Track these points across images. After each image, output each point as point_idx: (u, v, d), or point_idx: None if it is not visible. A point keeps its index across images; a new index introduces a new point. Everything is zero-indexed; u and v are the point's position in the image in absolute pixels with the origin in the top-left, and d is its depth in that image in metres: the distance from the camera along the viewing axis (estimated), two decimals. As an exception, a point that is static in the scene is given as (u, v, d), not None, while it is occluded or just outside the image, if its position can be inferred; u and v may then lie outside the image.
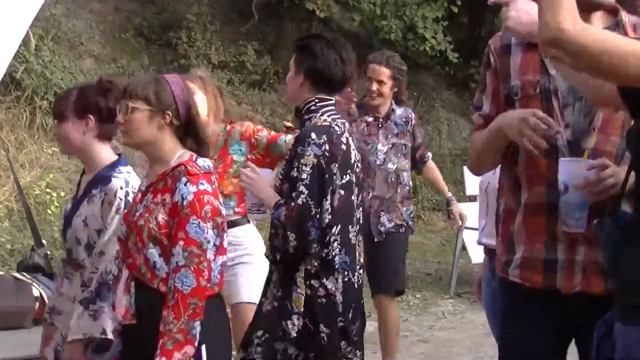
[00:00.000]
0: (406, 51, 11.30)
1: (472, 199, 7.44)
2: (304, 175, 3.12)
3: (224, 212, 2.76)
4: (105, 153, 3.22)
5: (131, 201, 2.99)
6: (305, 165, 3.12)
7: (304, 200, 3.11)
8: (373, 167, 5.19)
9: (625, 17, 2.54)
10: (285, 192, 3.19)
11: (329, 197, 3.15)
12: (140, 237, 2.70)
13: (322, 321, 3.18)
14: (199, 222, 2.64)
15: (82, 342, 3.04)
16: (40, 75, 8.14)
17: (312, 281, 3.18)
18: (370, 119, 5.23)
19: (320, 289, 3.20)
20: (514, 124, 2.49)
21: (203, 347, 2.65)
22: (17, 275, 4.51)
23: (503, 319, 2.81)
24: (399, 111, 5.27)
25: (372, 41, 11.60)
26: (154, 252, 2.67)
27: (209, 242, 2.66)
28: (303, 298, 3.17)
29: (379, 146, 5.21)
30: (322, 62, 3.26)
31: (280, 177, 3.27)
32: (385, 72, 5.16)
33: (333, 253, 3.19)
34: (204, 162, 2.76)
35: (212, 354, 2.69)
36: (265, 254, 3.37)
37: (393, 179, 5.24)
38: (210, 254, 2.67)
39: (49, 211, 7.00)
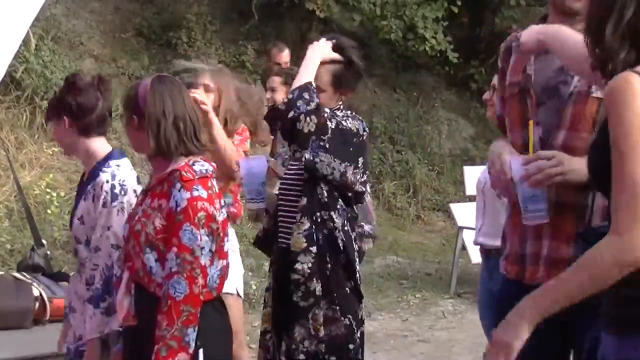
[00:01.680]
0: (406, 51, 11.32)
1: (472, 199, 7.43)
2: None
3: (220, 217, 2.71)
4: (95, 148, 3.19)
5: (122, 195, 3.03)
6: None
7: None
8: None
9: None
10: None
11: None
12: (138, 242, 2.70)
13: None
14: (192, 229, 2.61)
15: (99, 339, 3.04)
16: (40, 75, 8.13)
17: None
18: None
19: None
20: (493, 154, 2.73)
21: (200, 351, 2.64)
22: (17, 275, 4.51)
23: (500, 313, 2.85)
24: None
25: (372, 41, 11.60)
26: (150, 257, 2.66)
27: (202, 248, 2.63)
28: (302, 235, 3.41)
29: None
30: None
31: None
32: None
33: None
34: (202, 167, 2.72)
35: (211, 357, 2.68)
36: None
37: None
38: (204, 260, 2.64)
39: (49, 211, 7.00)
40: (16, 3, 3.49)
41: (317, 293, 3.32)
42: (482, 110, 11.23)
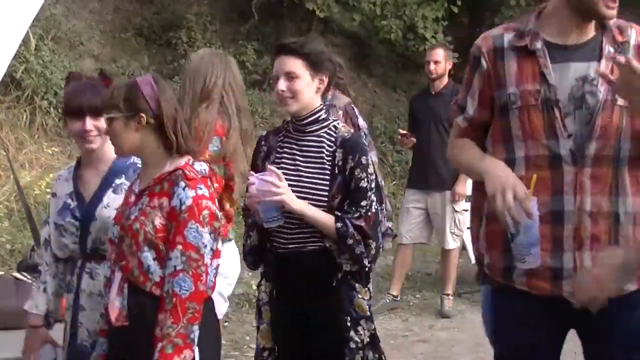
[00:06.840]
0: (406, 51, 11.31)
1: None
2: (373, 184, 3.13)
3: (220, 216, 2.73)
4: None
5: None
6: (371, 173, 3.12)
7: (376, 208, 3.12)
8: None
9: (634, 38, 2.56)
10: (336, 206, 3.08)
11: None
12: (136, 240, 2.69)
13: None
14: (197, 227, 2.62)
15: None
16: (40, 75, 8.14)
17: (368, 286, 3.20)
18: None
19: (368, 292, 3.21)
20: (494, 185, 2.47)
21: (196, 349, 2.65)
22: (17, 275, 4.51)
23: (499, 323, 2.78)
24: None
25: (372, 41, 11.61)
26: (148, 256, 2.66)
27: (206, 246, 2.64)
28: (366, 302, 3.17)
29: None
30: (338, 69, 3.34)
31: (324, 188, 3.10)
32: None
33: None
34: (201, 166, 2.75)
35: (204, 356, 2.69)
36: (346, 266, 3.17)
37: None
38: (207, 259, 2.65)
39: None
40: (16, 3, 3.48)
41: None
42: (482, 110, 11.23)
